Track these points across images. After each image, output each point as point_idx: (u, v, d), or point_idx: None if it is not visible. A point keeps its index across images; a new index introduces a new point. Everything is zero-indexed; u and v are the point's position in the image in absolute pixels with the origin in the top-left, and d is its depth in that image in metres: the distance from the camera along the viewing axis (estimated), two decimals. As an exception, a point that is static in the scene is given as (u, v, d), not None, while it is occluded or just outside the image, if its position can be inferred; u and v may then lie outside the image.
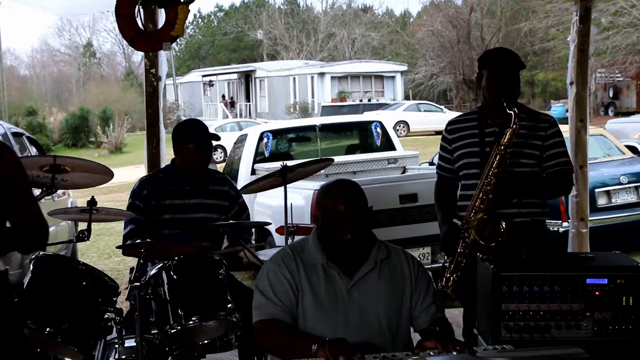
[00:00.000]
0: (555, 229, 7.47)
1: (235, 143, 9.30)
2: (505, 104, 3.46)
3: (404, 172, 8.15)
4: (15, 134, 7.96)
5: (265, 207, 7.24)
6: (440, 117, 28.51)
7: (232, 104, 43.12)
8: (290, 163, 4.65)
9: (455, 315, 4.25)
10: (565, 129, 5.02)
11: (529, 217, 3.62)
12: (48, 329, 3.25)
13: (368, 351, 2.50)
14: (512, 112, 3.43)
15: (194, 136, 4.09)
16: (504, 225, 3.41)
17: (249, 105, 42.46)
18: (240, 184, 7.23)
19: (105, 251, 10.38)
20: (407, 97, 39.41)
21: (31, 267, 3.43)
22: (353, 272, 2.80)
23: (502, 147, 3.43)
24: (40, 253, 3.49)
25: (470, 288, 3.20)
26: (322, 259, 2.80)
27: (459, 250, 3.54)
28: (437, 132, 27.90)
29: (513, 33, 39.41)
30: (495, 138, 3.54)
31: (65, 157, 3.84)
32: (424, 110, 31.20)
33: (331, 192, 2.80)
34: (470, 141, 3.69)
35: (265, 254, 4.46)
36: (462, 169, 3.73)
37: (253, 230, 7.24)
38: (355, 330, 2.72)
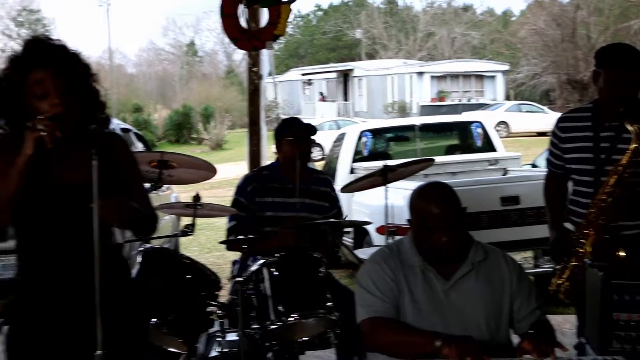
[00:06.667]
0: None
1: (334, 142, 9.34)
2: (625, 118, 3.24)
3: (505, 173, 7.97)
4: (123, 130, 8.24)
5: (363, 206, 7.22)
6: (543, 118, 27.79)
7: (324, 99, 43.53)
8: (389, 163, 4.63)
9: (559, 322, 4.13)
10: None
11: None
12: (154, 319, 3.34)
13: None
14: (633, 129, 3.23)
15: (291, 129, 4.18)
16: (621, 254, 3.23)
17: (347, 104, 42.56)
18: (338, 183, 7.26)
19: (206, 245, 10.63)
20: (507, 98, 38.56)
21: (139, 258, 3.54)
22: (450, 273, 2.75)
23: (621, 168, 3.27)
24: (148, 245, 3.59)
25: (581, 294, 3.08)
26: (418, 261, 2.76)
27: (571, 263, 3.40)
28: (539, 134, 27.19)
29: (622, 31, 37.95)
30: (610, 144, 3.39)
31: (172, 153, 3.95)
32: (526, 111, 30.44)
33: (424, 196, 2.76)
34: (584, 145, 3.50)
35: (364, 252, 4.47)
36: (574, 173, 3.58)
37: (350, 230, 7.30)
38: (453, 332, 2.67)
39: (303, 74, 46.11)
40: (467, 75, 38.26)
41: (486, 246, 2.87)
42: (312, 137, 4.19)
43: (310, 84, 45.20)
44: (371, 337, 2.73)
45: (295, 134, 4.15)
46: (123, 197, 2.37)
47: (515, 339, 2.71)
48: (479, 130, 8.71)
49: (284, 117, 5.36)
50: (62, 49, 2.40)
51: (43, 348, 2.42)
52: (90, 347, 2.26)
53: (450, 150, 9.00)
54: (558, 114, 4.74)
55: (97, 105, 2.47)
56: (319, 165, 9.26)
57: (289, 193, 4.16)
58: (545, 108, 32.19)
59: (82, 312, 2.31)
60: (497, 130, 24.92)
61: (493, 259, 2.83)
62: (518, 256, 6.25)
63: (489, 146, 8.58)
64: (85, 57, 2.48)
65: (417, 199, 2.78)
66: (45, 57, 2.33)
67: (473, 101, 35.88)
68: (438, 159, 7.66)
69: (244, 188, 4.19)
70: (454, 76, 38.18)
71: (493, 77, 38.37)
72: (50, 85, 2.31)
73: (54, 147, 2.25)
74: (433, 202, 2.71)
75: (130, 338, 2.52)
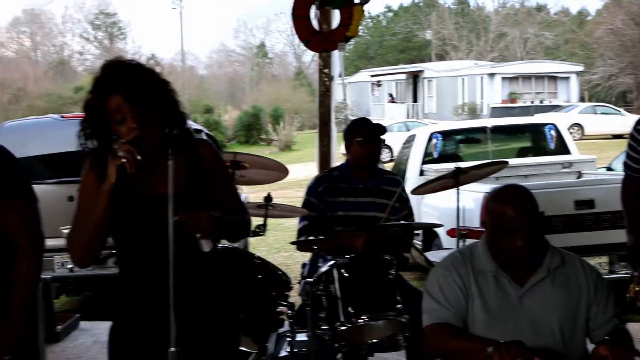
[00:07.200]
0: None
1: (403, 143, 9.30)
2: None
3: (579, 177, 7.81)
4: (195, 131, 8.37)
5: (433, 208, 7.18)
6: (619, 120, 27.07)
7: (393, 101, 43.42)
8: (460, 165, 4.59)
9: (636, 330, 4.01)
10: None
11: None
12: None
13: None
14: None
15: (361, 130, 4.18)
16: None
17: (416, 105, 42.29)
18: (408, 185, 7.23)
19: (274, 246, 10.71)
20: (582, 99, 37.64)
21: (211, 258, 3.58)
22: (524, 279, 2.70)
23: None
24: (219, 245, 3.64)
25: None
26: (491, 267, 2.71)
27: None
28: (615, 136, 26.48)
29: (703, 31, 36.66)
30: None
31: (244, 153, 4.00)
32: (601, 113, 29.68)
33: (500, 198, 2.70)
34: None
35: (433, 255, 4.44)
36: None
37: (418, 232, 7.26)
38: (526, 339, 2.61)
39: (372, 75, 46.00)
40: (539, 77, 37.51)
41: (563, 252, 2.80)
42: (382, 137, 4.18)
43: (379, 85, 45.06)
44: (431, 344, 2.73)
45: (365, 134, 4.15)
46: (207, 209, 2.42)
47: (592, 348, 2.64)
48: (553, 132, 8.56)
49: (352, 118, 5.38)
50: (136, 70, 2.44)
51: (143, 345, 2.51)
52: (186, 345, 2.37)
53: (522, 153, 8.88)
54: (635, 116, 4.62)
55: (178, 118, 2.51)
56: (387, 167, 9.24)
57: (359, 193, 4.16)
58: (621, 110, 31.34)
59: (179, 312, 2.38)
60: (571, 133, 24.50)
61: (570, 265, 2.76)
62: (592, 261, 6.10)
63: (562, 149, 8.43)
64: (160, 59, 2.53)
65: (493, 201, 2.72)
66: (119, 82, 2.39)
67: (546, 103, 35.18)
68: (510, 161, 7.58)
69: (315, 188, 4.20)
70: (526, 77, 37.49)
71: (567, 78, 37.51)
72: (126, 110, 2.38)
73: (141, 162, 2.33)
74: (509, 204, 2.65)
75: (223, 337, 2.59)
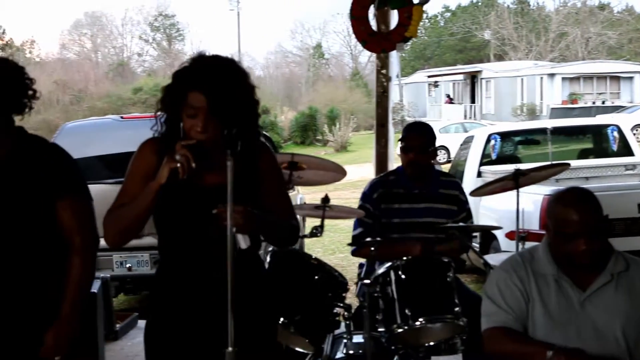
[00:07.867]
0: None
1: (461, 144, 9.21)
2: None
3: (643, 179, 7.63)
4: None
5: (491, 210, 7.08)
6: (685, 122, 26.34)
7: (450, 102, 43.06)
8: (519, 166, 4.53)
9: None
10: None
11: None
12: (282, 319, 3.39)
13: None
14: None
15: (404, 136, 4.11)
16: None
17: (474, 106, 41.83)
18: (465, 186, 7.12)
19: (329, 247, 10.70)
20: (646, 100, 36.75)
21: (268, 258, 3.60)
22: (586, 284, 2.65)
23: None
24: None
25: None
26: (552, 270, 2.67)
27: None
28: (680, 138, 25.77)
29: None
30: None
31: (301, 155, 4.01)
32: (667, 114, 28.94)
33: (564, 201, 2.65)
34: None
35: (492, 258, 4.37)
36: None
37: (476, 234, 7.18)
38: (588, 345, 2.57)
39: (429, 76, 45.69)
40: (601, 77, 36.72)
41: (627, 256, 2.73)
42: (424, 144, 4.06)
43: (436, 85, 44.74)
44: (490, 347, 2.71)
45: (407, 141, 4.07)
46: (253, 206, 2.38)
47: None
48: (615, 133, 8.39)
49: (409, 119, 5.33)
50: (228, 76, 2.40)
51: (178, 342, 2.47)
52: (220, 344, 2.29)
53: (583, 155, 8.73)
54: None
55: (250, 126, 2.48)
56: (444, 168, 9.16)
57: (414, 199, 4.09)
58: (688, 111, 30.42)
59: (213, 310, 2.35)
60: (634, 134, 23.88)
61: (634, 269, 2.69)
62: (657, 267, 5.96)
63: (625, 150, 8.27)
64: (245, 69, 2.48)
65: (556, 203, 2.67)
66: (207, 83, 2.36)
67: (608, 103, 34.41)
68: (571, 163, 7.43)
69: (370, 195, 4.13)
70: (588, 77, 36.73)
71: (631, 78, 36.63)
72: (201, 112, 2.36)
73: (200, 151, 2.32)
74: (573, 207, 2.60)
75: (259, 338, 2.55)
